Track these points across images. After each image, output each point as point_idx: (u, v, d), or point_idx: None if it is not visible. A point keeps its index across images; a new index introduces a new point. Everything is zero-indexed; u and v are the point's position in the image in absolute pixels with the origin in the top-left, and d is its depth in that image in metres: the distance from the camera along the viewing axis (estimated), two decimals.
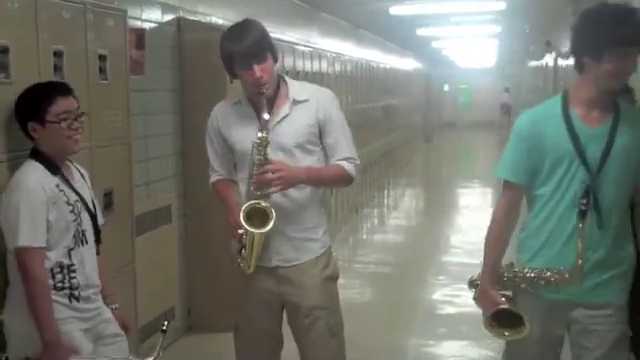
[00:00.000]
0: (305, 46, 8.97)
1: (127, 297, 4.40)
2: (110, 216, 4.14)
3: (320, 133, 3.59)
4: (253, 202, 3.42)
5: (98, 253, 3.47)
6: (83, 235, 3.34)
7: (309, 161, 3.56)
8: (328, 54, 10.06)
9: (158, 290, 5.44)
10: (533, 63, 20.32)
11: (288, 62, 7.66)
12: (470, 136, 28.76)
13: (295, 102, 3.57)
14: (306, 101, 3.58)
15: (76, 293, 3.28)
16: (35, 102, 3.27)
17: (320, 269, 3.62)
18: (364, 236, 11.08)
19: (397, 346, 5.89)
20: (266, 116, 3.43)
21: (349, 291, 6.92)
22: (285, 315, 3.71)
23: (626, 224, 3.17)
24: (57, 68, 3.75)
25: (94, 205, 3.47)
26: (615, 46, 2.95)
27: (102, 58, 4.22)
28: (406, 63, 21.59)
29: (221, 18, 6.79)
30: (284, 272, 3.58)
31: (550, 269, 3.09)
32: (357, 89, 12.02)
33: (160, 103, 5.73)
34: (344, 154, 3.62)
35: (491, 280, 3.21)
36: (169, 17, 5.88)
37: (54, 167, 3.28)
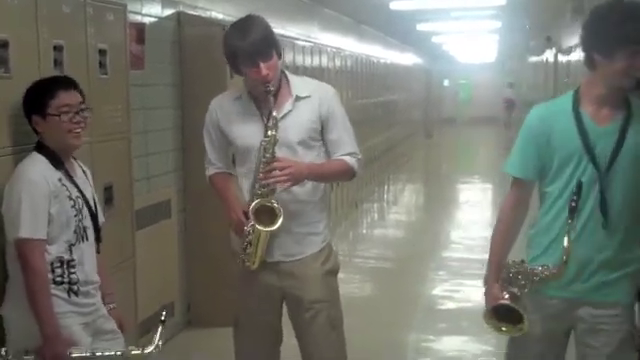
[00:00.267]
0: (305, 41, 8.97)
1: (127, 291, 4.41)
2: (110, 211, 4.13)
3: (322, 129, 3.60)
4: (263, 200, 3.43)
5: (98, 252, 3.47)
6: (84, 231, 3.34)
7: (310, 156, 3.56)
8: (328, 49, 10.05)
9: (158, 285, 5.44)
10: (533, 59, 20.32)
11: (288, 57, 7.65)
12: (470, 132, 28.75)
13: (298, 98, 3.57)
14: (308, 97, 3.59)
15: (75, 288, 3.27)
16: (38, 95, 3.28)
17: (321, 263, 3.64)
18: (364, 231, 11.09)
19: (397, 341, 5.90)
20: (275, 113, 3.44)
21: (349, 286, 6.92)
22: (285, 309, 3.72)
23: (636, 225, 3.09)
24: (57, 63, 3.75)
25: (95, 204, 3.47)
26: (626, 44, 2.91)
27: (102, 53, 4.22)
28: (406, 58, 21.57)
29: (221, 13, 6.79)
30: (286, 266, 3.59)
31: (542, 265, 3.08)
32: (357, 84, 12.02)
33: (160, 98, 5.73)
34: (347, 150, 3.63)
35: (495, 275, 3.19)
36: (169, 12, 5.87)
37: (58, 161, 3.28)
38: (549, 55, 15.35)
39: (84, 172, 3.47)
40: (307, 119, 3.56)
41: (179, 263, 6.01)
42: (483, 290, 3.26)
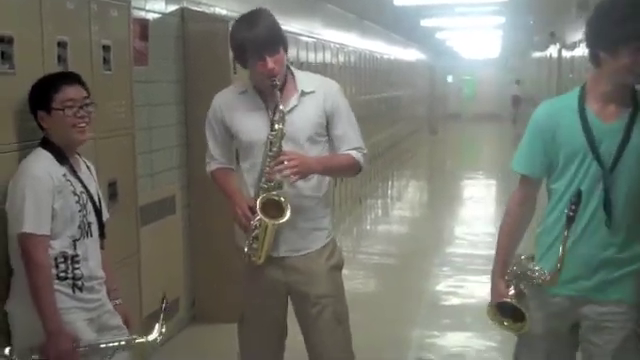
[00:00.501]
0: (309, 37, 8.96)
1: (132, 287, 4.42)
2: (114, 207, 4.14)
3: (327, 124, 3.61)
4: (270, 194, 3.43)
5: (102, 247, 3.48)
6: (88, 227, 3.35)
7: (315, 151, 3.56)
8: (332, 45, 10.05)
9: (162, 280, 5.44)
10: (537, 54, 20.30)
11: (292, 53, 7.65)
12: (474, 128, 28.74)
13: (303, 93, 3.57)
14: (313, 92, 3.59)
15: (79, 283, 3.28)
16: (42, 91, 3.30)
17: (326, 258, 3.64)
18: (368, 227, 11.09)
19: (401, 337, 5.90)
20: (282, 107, 3.44)
21: (353, 282, 6.93)
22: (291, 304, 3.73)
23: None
24: (61, 59, 3.75)
25: (99, 199, 3.48)
26: (629, 41, 2.89)
27: (106, 49, 4.22)
28: (410, 54, 21.57)
29: (225, 9, 6.79)
30: (292, 262, 3.59)
31: (539, 270, 3.06)
32: (361, 80, 12.01)
33: (164, 94, 5.73)
34: (352, 144, 3.63)
35: (501, 272, 3.18)
36: (173, 8, 5.87)
37: (62, 157, 3.29)
38: (553, 51, 15.34)
39: (88, 168, 3.48)
40: (313, 114, 3.56)
41: (184, 259, 6.02)
42: (489, 285, 3.26)
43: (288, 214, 3.42)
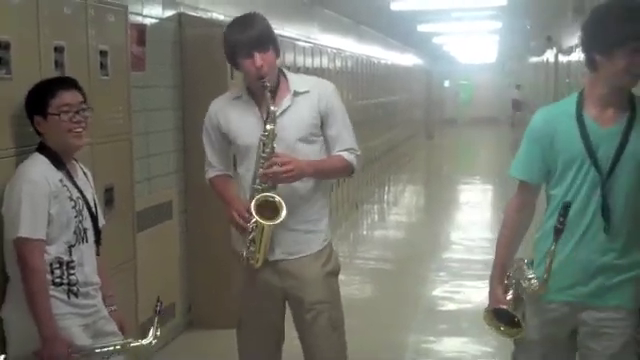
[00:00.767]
0: (306, 42, 8.97)
1: (127, 293, 4.41)
2: (111, 212, 4.14)
3: (322, 124, 3.62)
4: (264, 195, 3.44)
5: (98, 254, 3.47)
6: (84, 233, 3.34)
7: (311, 151, 3.58)
8: (329, 50, 10.06)
9: (159, 286, 5.43)
10: (534, 59, 20.32)
11: (289, 58, 7.66)
12: (471, 133, 28.75)
13: (296, 93, 3.59)
14: (307, 92, 3.60)
15: (74, 289, 3.27)
16: (39, 96, 3.30)
17: (322, 263, 3.64)
18: (364, 232, 11.09)
19: (397, 342, 5.89)
20: (273, 108, 3.45)
21: (349, 287, 6.92)
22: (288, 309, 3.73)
23: (639, 229, 3.06)
24: (58, 64, 3.75)
25: (96, 206, 3.47)
26: (625, 42, 2.89)
27: (103, 54, 4.22)
28: (407, 59, 21.58)
29: (222, 14, 6.79)
30: (287, 265, 3.59)
31: (530, 278, 3.04)
32: (358, 85, 12.02)
33: (161, 99, 5.73)
34: (345, 145, 3.65)
35: (499, 277, 3.18)
36: (170, 13, 5.87)
37: (59, 162, 3.29)
38: (550, 55, 15.35)
39: (85, 174, 3.47)
40: (307, 114, 3.58)
41: (180, 264, 6.01)
42: (485, 290, 3.27)
43: (283, 214, 3.42)
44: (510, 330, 3.14)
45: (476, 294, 6.48)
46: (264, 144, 3.44)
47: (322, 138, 3.63)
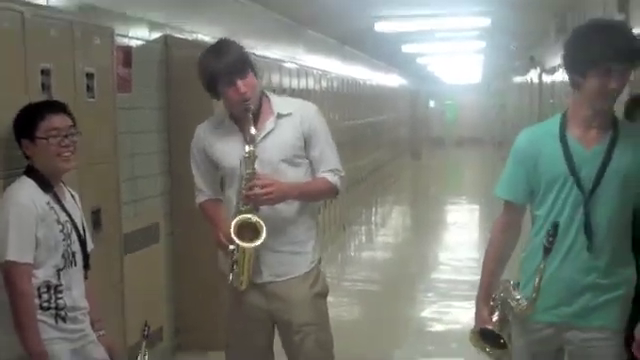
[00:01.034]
0: (291, 62, 8.99)
1: (115, 316, 4.37)
2: (98, 235, 4.11)
3: (306, 146, 3.61)
4: (244, 216, 3.42)
5: (86, 277, 3.45)
6: (73, 256, 3.32)
7: (295, 173, 3.58)
8: (314, 71, 10.07)
9: (146, 309, 5.39)
10: (518, 79, 20.40)
11: (274, 79, 7.66)
12: (457, 152, 28.81)
13: (279, 116, 3.59)
14: (290, 115, 3.61)
15: (62, 313, 3.25)
16: (27, 119, 3.29)
17: (309, 285, 3.63)
18: (352, 254, 11.07)
19: None
20: (253, 130, 3.45)
21: (337, 309, 6.88)
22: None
23: (624, 248, 3.07)
24: (45, 86, 3.74)
25: (84, 229, 3.45)
26: (596, 64, 2.90)
27: (89, 76, 4.21)
28: (392, 80, 21.64)
29: (208, 35, 6.78)
30: (274, 288, 3.58)
31: (518, 299, 3.03)
32: (344, 106, 12.04)
33: (147, 121, 5.71)
34: (329, 166, 3.65)
35: (485, 298, 3.18)
36: (156, 35, 5.87)
37: (47, 185, 3.27)
38: (533, 75, 15.41)
39: (73, 197, 3.46)
40: (290, 136, 3.58)
41: (167, 287, 5.97)
42: (473, 311, 3.25)
43: (263, 236, 3.41)
44: (496, 351, 3.14)
45: (464, 314, 6.44)
46: (246, 165, 3.44)
47: (307, 161, 3.63)
